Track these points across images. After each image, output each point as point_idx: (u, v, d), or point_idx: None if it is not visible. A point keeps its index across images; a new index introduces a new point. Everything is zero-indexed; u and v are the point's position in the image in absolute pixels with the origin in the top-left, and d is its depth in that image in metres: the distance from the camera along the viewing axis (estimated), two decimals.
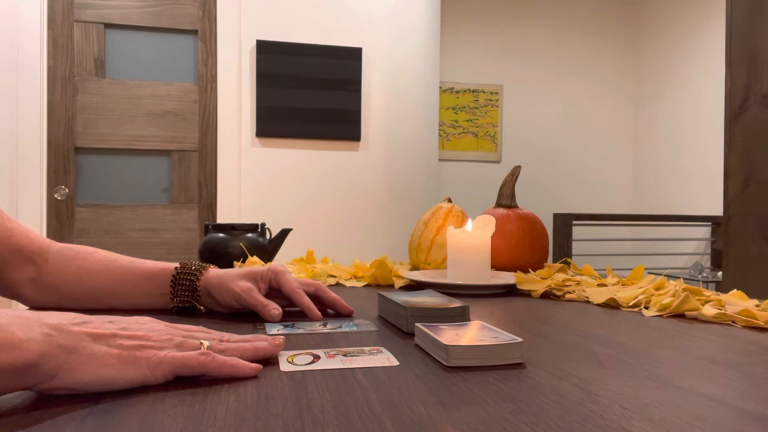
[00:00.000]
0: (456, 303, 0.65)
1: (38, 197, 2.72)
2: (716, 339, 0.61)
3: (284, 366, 0.48)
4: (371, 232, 3.06)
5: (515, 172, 1.19)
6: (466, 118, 4.29)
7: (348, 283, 1.04)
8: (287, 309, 0.75)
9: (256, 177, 2.93)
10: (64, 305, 0.72)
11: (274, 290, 0.73)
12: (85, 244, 0.79)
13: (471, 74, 4.29)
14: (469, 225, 1.00)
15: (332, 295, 0.73)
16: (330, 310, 0.74)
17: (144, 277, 0.73)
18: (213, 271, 0.72)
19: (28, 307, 0.73)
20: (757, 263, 1.61)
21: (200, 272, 0.71)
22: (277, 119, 2.91)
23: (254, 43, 2.91)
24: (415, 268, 1.16)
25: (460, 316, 0.63)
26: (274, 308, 0.67)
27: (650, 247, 4.24)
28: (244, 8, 2.90)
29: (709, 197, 3.84)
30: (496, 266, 1.11)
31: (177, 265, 0.73)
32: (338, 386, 0.43)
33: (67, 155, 2.79)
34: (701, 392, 0.42)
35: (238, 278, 0.70)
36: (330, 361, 0.50)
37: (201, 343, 0.47)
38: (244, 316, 0.70)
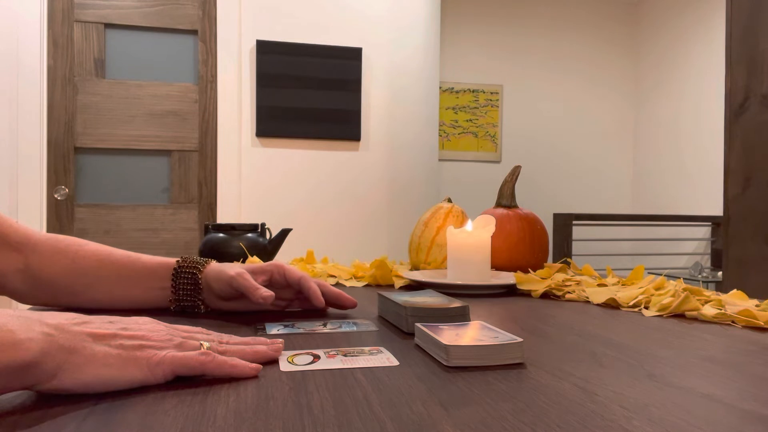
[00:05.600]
0: (456, 303, 0.65)
1: (38, 197, 2.71)
2: (716, 339, 0.61)
3: (284, 366, 0.48)
4: (371, 232, 3.06)
5: (515, 172, 1.19)
6: (466, 118, 4.28)
7: (348, 283, 1.04)
8: (288, 309, 0.75)
9: (256, 177, 2.93)
10: (59, 301, 0.71)
11: (277, 289, 0.72)
12: None
13: (471, 74, 4.29)
14: (469, 225, 1.00)
15: (334, 289, 0.73)
16: (331, 309, 0.74)
17: (144, 272, 0.71)
18: (213, 264, 0.72)
19: (28, 307, 0.72)
20: (757, 263, 1.61)
21: (203, 266, 0.71)
22: (277, 119, 2.91)
23: (254, 43, 2.91)
24: (415, 268, 1.16)
25: (460, 316, 0.63)
26: (266, 291, 0.66)
27: (650, 247, 4.24)
28: (244, 8, 2.90)
29: (709, 197, 3.84)
30: (496, 266, 1.11)
31: (178, 259, 0.72)
32: (338, 386, 0.43)
33: (67, 155, 2.79)
34: (701, 392, 0.42)
35: (235, 267, 0.70)
36: (330, 361, 0.50)
37: (201, 344, 0.47)
38: (244, 317, 0.70)
